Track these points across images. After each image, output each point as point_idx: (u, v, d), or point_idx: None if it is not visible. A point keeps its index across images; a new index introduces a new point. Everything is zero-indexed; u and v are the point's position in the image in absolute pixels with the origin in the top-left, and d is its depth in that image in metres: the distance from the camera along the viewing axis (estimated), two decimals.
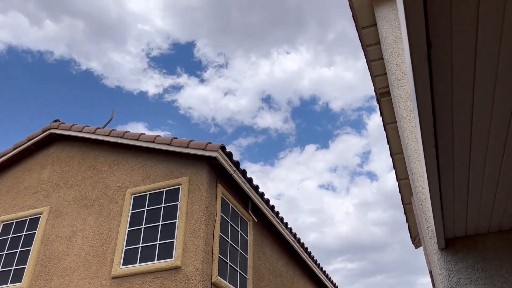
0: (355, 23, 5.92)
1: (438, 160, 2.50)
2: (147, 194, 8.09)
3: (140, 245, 7.54)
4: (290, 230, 11.01)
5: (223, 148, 7.82)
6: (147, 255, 7.35)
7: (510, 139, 2.20)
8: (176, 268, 6.97)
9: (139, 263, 7.34)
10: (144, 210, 7.92)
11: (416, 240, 9.08)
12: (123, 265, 7.44)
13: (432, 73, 1.95)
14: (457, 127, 2.17)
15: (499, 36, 1.69)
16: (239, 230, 8.68)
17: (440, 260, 3.55)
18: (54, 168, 9.46)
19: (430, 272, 4.81)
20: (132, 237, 7.69)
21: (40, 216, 8.83)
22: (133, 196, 8.19)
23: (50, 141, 10.02)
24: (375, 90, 7.14)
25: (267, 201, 9.56)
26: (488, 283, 3.36)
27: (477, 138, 2.22)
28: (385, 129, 7.50)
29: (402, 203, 8.31)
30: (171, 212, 7.62)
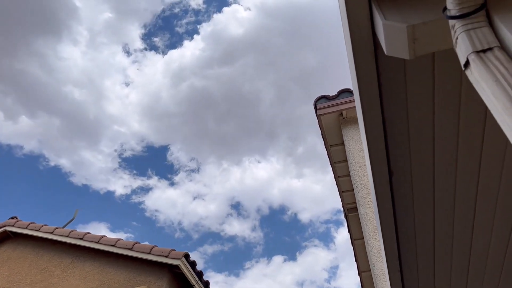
0: (324, 141, 6.23)
1: (403, 285, 2.47)
2: None
3: None
4: None
5: (187, 256, 7.50)
6: None
7: (472, 265, 2.22)
8: None
9: None
10: None
11: None
12: None
13: (394, 198, 2.02)
14: (420, 253, 2.19)
15: (454, 169, 1.80)
16: None
17: None
18: (2, 269, 8.73)
19: None
20: None
21: None
22: None
23: (3, 239, 9.40)
24: (342, 205, 7.26)
25: None
26: None
27: (441, 266, 2.23)
28: (352, 245, 7.46)
29: None
30: None
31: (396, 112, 1.54)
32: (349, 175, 6.40)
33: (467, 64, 1.05)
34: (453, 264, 2.21)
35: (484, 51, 1.03)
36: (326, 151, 6.44)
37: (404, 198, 1.97)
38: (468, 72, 1.05)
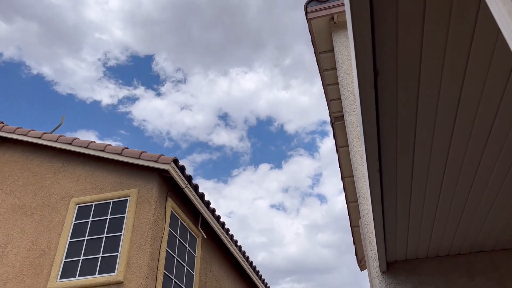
0: (313, 47, 6.08)
1: (382, 185, 2.57)
2: (92, 205, 7.76)
3: (81, 257, 7.19)
4: (240, 248, 10.91)
5: (176, 161, 7.68)
6: (88, 269, 7.02)
7: (448, 170, 2.30)
8: (118, 283, 6.69)
9: (78, 276, 6.98)
10: (89, 221, 7.59)
11: (362, 263, 9.27)
12: (60, 278, 7.05)
13: (378, 101, 2.01)
14: (400, 155, 2.24)
15: (440, 68, 1.77)
16: (187, 246, 8.49)
17: (381, 283, 3.62)
18: None
19: None
20: (73, 249, 7.32)
21: None
22: (77, 206, 7.83)
23: None
24: (329, 114, 7.32)
25: (217, 218, 9.45)
26: None
27: (419, 167, 2.31)
28: (337, 152, 7.68)
29: (350, 225, 8.49)
30: (117, 225, 7.35)
31: (386, 17, 1.47)
32: (337, 83, 6.36)
33: None
34: (431, 164, 2.28)
35: None
36: (315, 59, 6.32)
37: (388, 101, 1.97)
38: None
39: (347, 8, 1.41)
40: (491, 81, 1.89)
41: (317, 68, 6.49)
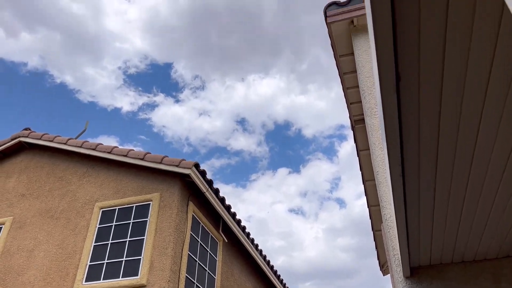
0: (333, 51, 6.06)
1: (405, 190, 2.56)
2: (116, 209, 7.91)
3: (105, 261, 7.33)
4: (260, 252, 10.92)
5: (197, 165, 7.76)
6: (112, 272, 7.14)
7: (473, 174, 2.27)
8: (141, 287, 6.79)
9: (103, 279, 7.11)
10: (112, 225, 7.73)
11: (384, 268, 9.15)
12: (86, 281, 7.20)
13: (400, 105, 2.01)
14: (423, 159, 2.23)
15: (464, 71, 1.76)
16: (208, 250, 8.55)
17: None
18: (21, 177, 9.17)
19: None
20: (98, 253, 7.47)
21: (1, 227, 8.49)
22: (101, 210, 7.99)
23: (19, 149, 9.73)
24: (350, 117, 7.28)
25: (238, 222, 9.49)
26: None
27: (442, 172, 2.29)
28: (358, 156, 7.62)
29: (372, 229, 8.40)
30: (140, 229, 7.47)
31: (408, 22, 1.47)
32: (357, 86, 6.33)
33: None
34: (455, 168, 2.26)
35: None
36: (334, 62, 6.30)
37: (410, 106, 1.96)
38: None
39: (368, 16, 1.42)
40: None
41: (337, 71, 6.47)
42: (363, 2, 5.29)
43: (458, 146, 2.23)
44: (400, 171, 2.27)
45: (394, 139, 1.93)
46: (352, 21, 5.41)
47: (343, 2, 5.38)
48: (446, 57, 1.75)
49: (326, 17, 5.41)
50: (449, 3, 1.54)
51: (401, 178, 2.37)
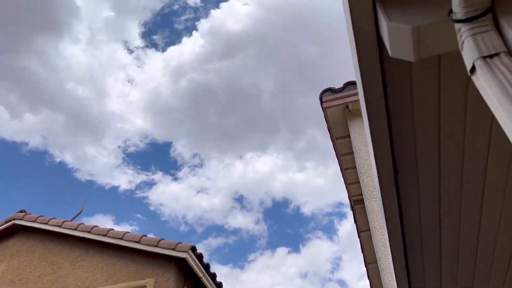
0: (329, 133, 6.20)
1: (410, 280, 2.47)
2: None
3: None
4: None
5: (193, 249, 7.56)
6: None
7: (478, 270, 2.21)
8: None
9: None
10: None
11: None
12: None
13: (400, 196, 2.01)
14: (426, 252, 2.18)
15: (460, 172, 1.78)
16: None
17: None
18: (12, 262, 8.85)
19: None
20: None
21: None
22: None
23: (12, 232, 9.51)
24: (349, 197, 7.24)
25: None
26: None
27: (447, 264, 2.23)
28: (359, 237, 7.46)
29: None
30: None
31: (402, 113, 1.53)
32: (355, 167, 6.38)
33: (473, 69, 1.03)
34: (460, 263, 2.20)
35: (490, 56, 1.01)
36: (331, 144, 6.42)
37: (410, 198, 1.96)
38: (474, 78, 1.04)
39: (364, 118, 1.47)
40: None
41: (334, 153, 6.57)
42: (356, 88, 5.52)
43: (461, 236, 2.19)
44: (404, 263, 2.21)
45: (397, 234, 1.90)
46: (347, 106, 5.60)
47: (338, 89, 5.61)
48: (442, 153, 1.78)
49: (322, 102, 5.61)
50: (440, 105, 1.61)
51: (405, 270, 2.30)
